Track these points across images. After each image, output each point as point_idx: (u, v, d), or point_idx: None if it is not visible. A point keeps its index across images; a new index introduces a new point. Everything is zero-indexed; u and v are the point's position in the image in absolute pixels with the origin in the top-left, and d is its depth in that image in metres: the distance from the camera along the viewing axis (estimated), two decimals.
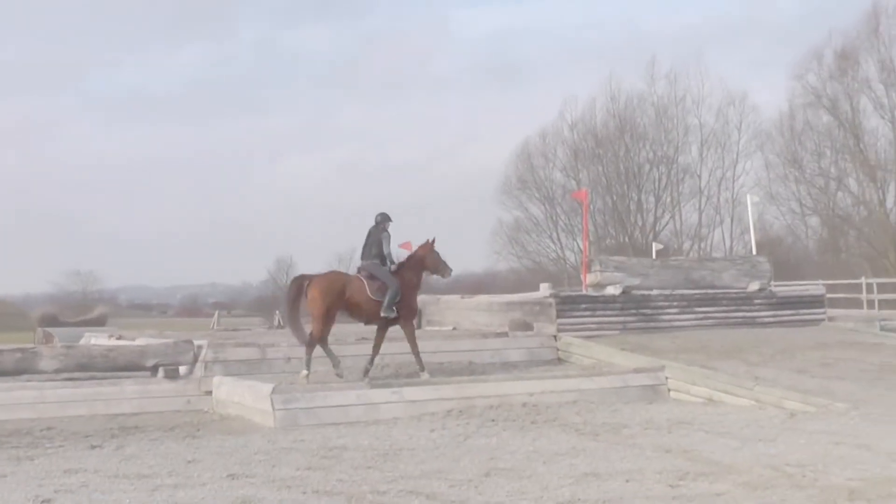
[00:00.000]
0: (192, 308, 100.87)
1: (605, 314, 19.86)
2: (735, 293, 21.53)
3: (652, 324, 19.93)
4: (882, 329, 21.60)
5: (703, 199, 66.73)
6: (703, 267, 22.01)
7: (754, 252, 25.38)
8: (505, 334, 19.21)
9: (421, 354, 16.27)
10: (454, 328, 21.88)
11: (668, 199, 66.74)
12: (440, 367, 16.81)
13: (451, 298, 23.98)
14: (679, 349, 17.56)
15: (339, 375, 15.51)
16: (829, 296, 27.88)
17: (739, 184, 65.43)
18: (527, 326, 19.60)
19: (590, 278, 20.83)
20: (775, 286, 26.40)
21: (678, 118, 66.66)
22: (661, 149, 66.54)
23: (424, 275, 16.56)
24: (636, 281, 20.68)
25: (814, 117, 58.81)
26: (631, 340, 18.43)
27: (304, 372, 15.33)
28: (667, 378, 15.91)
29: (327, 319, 15.57)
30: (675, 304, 20.46)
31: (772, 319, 21.64)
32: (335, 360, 15.59)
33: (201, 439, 12.18)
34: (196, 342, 16.62)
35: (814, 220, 62.76)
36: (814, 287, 25.58)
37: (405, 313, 16.09)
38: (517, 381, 15.22)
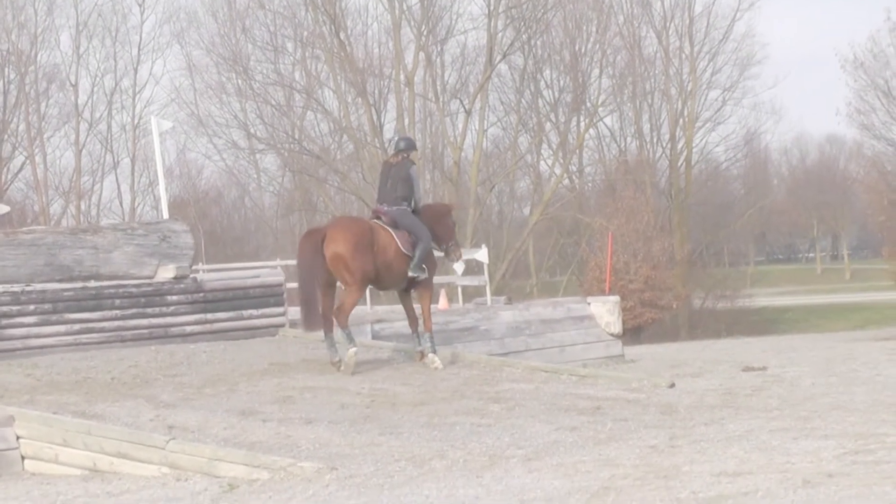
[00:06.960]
0: None
1: None
2: (136, 285, 16.19)
3: None
4: (375, 337, 16.10)
5: (83, 127, 45.07)
6: (80, 243, 16.06)
7: (166, 215, 18.93)
8: None
9: None
10: None
11: (19, 128, 44.77)
12: None
13: None
14: (41, 387, 13.16)
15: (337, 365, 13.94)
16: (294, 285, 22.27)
17: (144, 99, 46.57)
18: None
19: None
20: (205, 271, 21.68)
21: None
22: (5, 38, 44.59)
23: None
24: None
25: None
26: None
27: (352, 349, 13.67)
28: (18, 437, 11.57)
29: (363, 285, 14.20)
30: (31, 307, 15.34)
31: (199, 328, 16.45)
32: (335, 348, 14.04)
33: None
34: None
35: (271, 159, 45.27)
36: (267, 271, 18.84)
37: (430, 271, 14.76)
38: None
